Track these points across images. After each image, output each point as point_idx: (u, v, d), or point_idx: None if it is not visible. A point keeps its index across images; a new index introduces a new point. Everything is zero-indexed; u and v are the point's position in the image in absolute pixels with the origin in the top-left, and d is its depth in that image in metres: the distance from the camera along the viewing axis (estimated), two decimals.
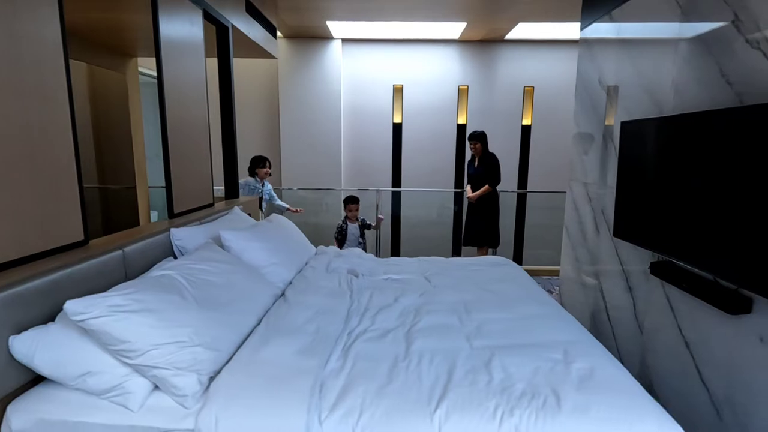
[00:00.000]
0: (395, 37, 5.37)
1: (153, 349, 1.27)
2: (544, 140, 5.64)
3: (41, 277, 1.35)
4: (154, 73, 2.34)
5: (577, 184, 3.13)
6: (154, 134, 4.32)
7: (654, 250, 2.31)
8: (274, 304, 1.93)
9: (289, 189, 5.52)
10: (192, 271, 1.65)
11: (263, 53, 4.18)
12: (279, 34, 5.21)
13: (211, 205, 2.93)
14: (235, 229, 2.25)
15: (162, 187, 2.53)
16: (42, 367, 1.25)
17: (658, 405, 1.27)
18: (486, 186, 4.28)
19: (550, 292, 4.08)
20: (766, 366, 1.49)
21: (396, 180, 5.75)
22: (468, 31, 5.08)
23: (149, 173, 4.36)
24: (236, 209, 2.89)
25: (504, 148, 5.57)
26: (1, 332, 1.22)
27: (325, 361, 1.44)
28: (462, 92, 5.56)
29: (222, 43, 3.20)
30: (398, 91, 5.55)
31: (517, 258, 5.50)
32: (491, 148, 4.37)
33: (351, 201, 3.92)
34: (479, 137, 4.32)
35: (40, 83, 1.49)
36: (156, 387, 1.31)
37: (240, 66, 5.58)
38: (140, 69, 4.47)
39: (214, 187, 3.01)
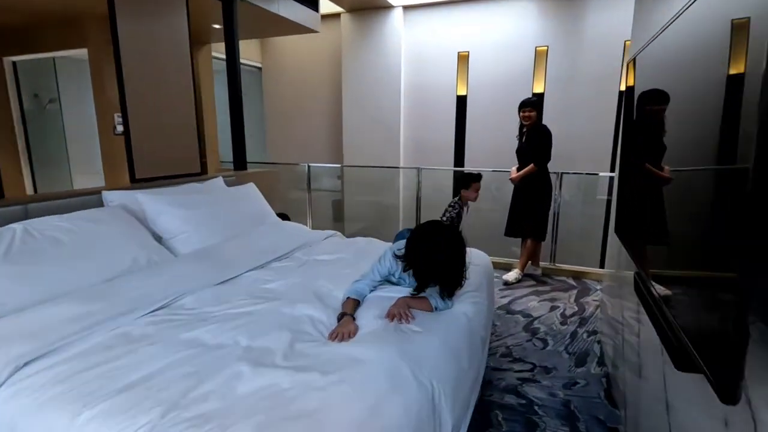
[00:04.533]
0: None
1: None
2: None
3: None
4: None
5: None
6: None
7: (629, 252, 1.57)
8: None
9: (350, 167, 5.51)
10: (47, 228, 1.75)
11: (301, 29, 4.18)
12: (340, 9, 5.16)
13: (199, 174, 3.09)
14: (157, 193, 2.31)
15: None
16: None
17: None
18: (531, 165, 3.53)
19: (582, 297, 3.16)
20: None
21: (459, 159, 5.20)
22: None
23: None
24: (218, 180, 2.98)
25: (594, 124, 4.49)
26: None
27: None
28: (540, 54, 4.64)
29: (226, 16, 3.29)
30: (463, 59, 4.94)
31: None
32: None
33: (476, 179, 3.26)
34: (537, 104, 3.60)
35: None
36: None
37: (303, 43, 5.73)
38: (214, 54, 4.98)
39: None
